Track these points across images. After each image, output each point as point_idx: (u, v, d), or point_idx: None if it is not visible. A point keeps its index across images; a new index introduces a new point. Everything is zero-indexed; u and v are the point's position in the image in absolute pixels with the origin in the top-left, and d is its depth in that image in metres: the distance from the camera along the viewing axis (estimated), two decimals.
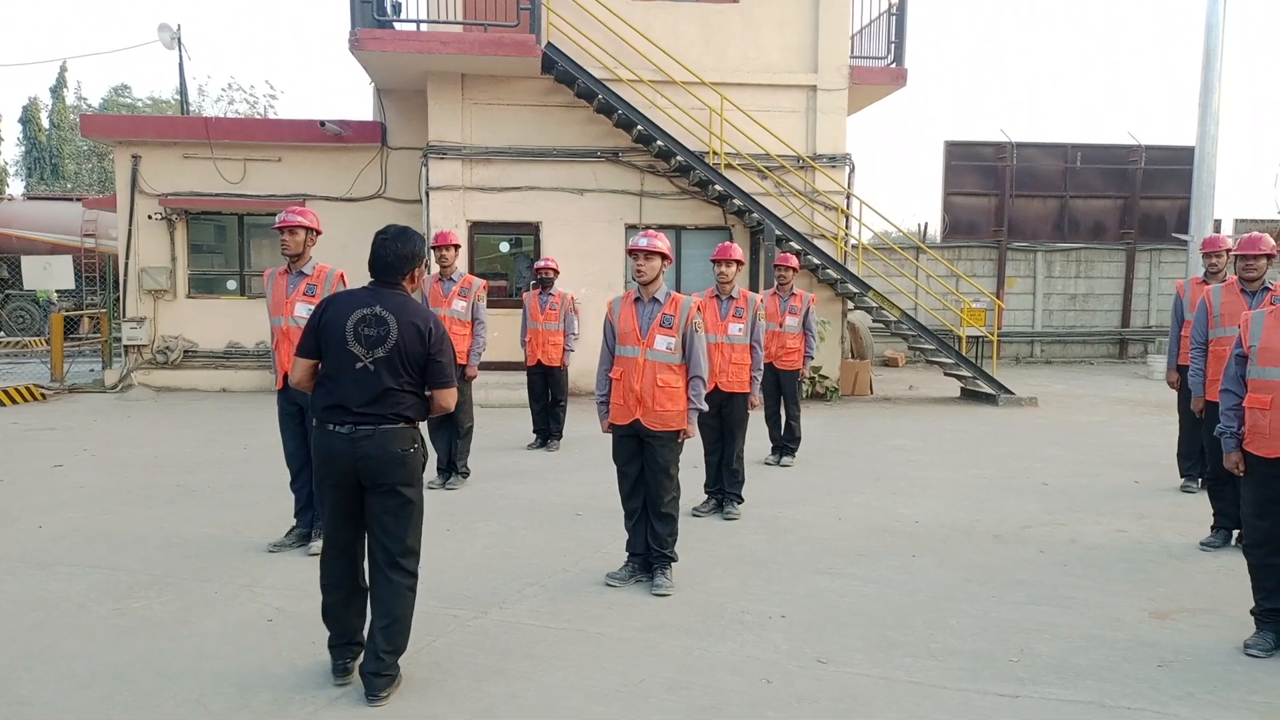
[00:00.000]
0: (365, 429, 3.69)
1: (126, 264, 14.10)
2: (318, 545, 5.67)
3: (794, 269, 8.83)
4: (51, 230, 20.68)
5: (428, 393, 3.85)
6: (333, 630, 3.93)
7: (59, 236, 20.39)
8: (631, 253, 5.19)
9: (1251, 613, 4.43)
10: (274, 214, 11.75)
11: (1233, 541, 5.92)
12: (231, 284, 14.60)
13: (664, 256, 5.16)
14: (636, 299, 5.23)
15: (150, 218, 14.04)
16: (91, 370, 15.38)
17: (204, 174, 14.07)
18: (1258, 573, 4.38)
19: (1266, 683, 3.99)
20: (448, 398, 3.88)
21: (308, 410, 5.75)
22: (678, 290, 7.49)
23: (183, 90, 22.34)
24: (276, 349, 5.83)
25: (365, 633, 3.88)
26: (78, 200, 22.19)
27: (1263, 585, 4.36)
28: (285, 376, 5.74)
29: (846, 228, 14.04)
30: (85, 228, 20.38)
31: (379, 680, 3.71)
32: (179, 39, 21.04)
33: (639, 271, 5.15)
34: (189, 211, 14.22)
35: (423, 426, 4.02)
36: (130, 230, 14.07)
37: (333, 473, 3.76)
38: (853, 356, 14.87)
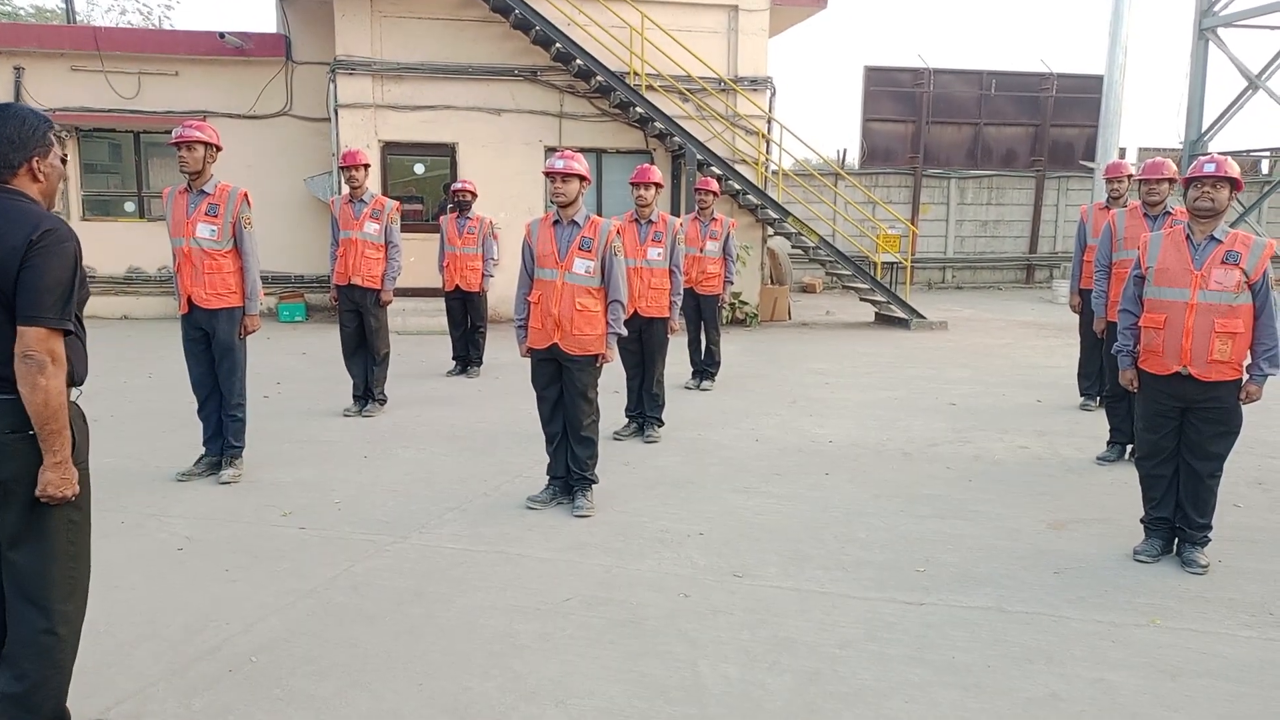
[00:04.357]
0: None
1: None
2: (229, 474, 5.59)
3: (714, 194, 8.80)
4: None
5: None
6: None
7: None
8: (549, 175, 5.09)
9: (1141, 521, 4.68)
10: (172, 131, 11.19)
11: (1126, 456, 6.23)
12: (130, 206, 13.91)
13: (582, 179, 5.06)
14: (555, 222, 5.14)
15: None
16: None
17: (95, 88, 13.25)
18: (1147, 483, 4.62)
19: (1151, 585, 4.24)
20: (34, 342, 2.42)
21: (213, 335, 5.57)
22: (599, 215, 7.42)
23: None
24: (178, 272, 5.59)
25: None
26: None
27: (1151, 495, 4.60)
28: (189, 300, 5.54)
29: (767, 153, 14.03)
30: None
31: None
32: None
33: (557, 194, 5.05)
34: (80, 128, 13.42)
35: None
36: None
37: None
38: (772, 282, 15.01)
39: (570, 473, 5.24)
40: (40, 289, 2.45)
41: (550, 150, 13.16)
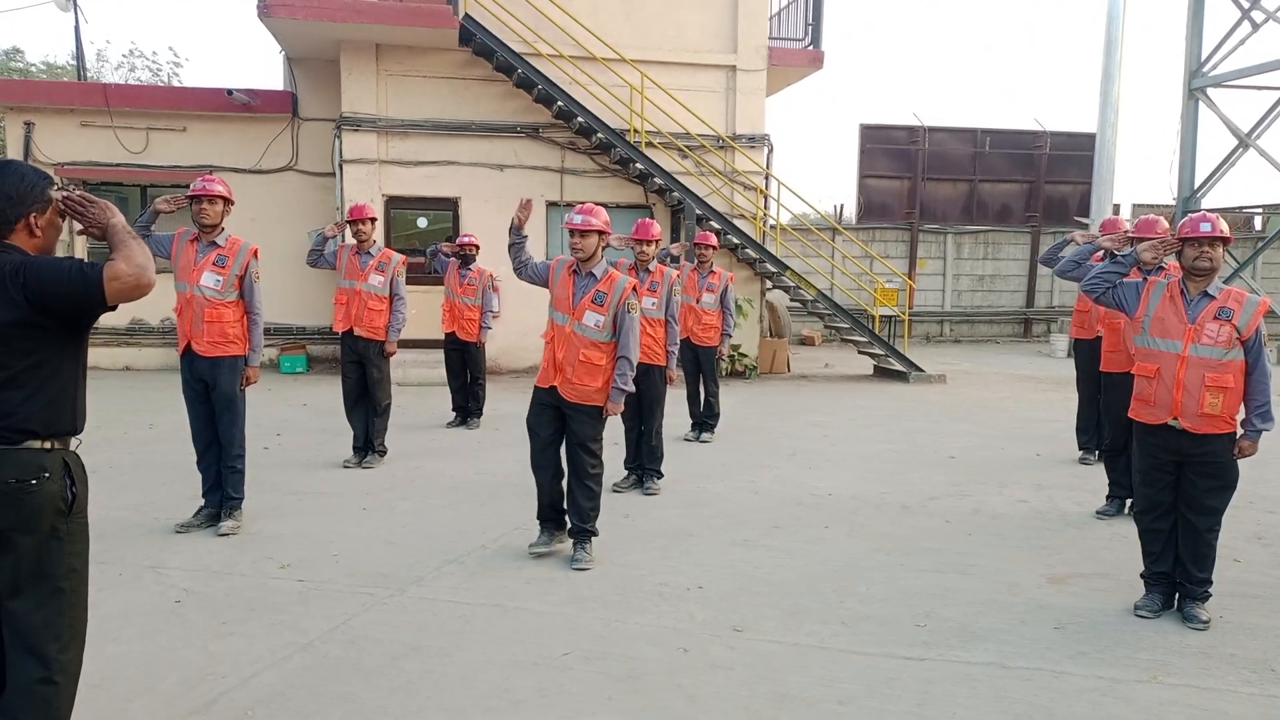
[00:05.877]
0: None
1: None
2: (228, 525, 5.58)
3: (713, 247, 8.92)
4: None
5: (107, 274, 2.49)
6: None
7: None
8: (569, 229, 5.14)
9: (1141, 576, 4.67)
10: (179, 186, 11.33)
11: (1126, 510, 6.22)
12: None
13: (601, 233, 5.12)
14: (575, 270, 5.18)
15: None
16: None
17: (104, 143, 13.45)
18: (1146, 538, 4.62)
19: (1153, 641, 4.22)
20: (115, 290, 2.52)
21: (212, 384, 5.60)
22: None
23: (79, 55, 21.21)
24: (179, 315, 5.67)
25: None
26: None
27: (1150, 549, 4.60)
28: (189, 346, 5.59)
29: (765, 208, 14.21)
30: None
31: None
32: (75, 1, 19.98)
33: (575, 248, 5.09)
34: (88, 183, 13.57)
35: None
36: None
37: None
38: (771, 335, 15.09)
39: (561, 512, 5.24)
40: (64, 274, 2.49)
41: (552, 205, 13.33)
